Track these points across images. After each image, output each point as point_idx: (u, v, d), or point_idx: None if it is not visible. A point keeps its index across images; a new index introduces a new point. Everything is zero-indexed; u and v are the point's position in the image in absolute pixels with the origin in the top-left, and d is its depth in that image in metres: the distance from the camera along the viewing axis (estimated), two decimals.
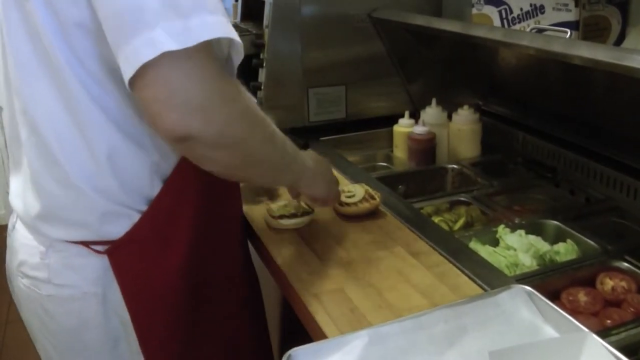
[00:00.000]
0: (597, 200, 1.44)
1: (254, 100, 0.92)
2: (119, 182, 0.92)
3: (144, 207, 0.95)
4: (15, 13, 0.88)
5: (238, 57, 0.88)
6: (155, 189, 0.95)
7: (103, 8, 0.77)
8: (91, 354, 1.01)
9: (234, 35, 0.81)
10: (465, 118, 1.70)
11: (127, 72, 0.75)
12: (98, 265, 0.96)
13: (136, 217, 0.95)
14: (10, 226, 1.07)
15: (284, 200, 1.29)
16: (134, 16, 0.74)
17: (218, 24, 0.78)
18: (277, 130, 0.95)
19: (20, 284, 1.03)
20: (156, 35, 0.73)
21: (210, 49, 0.78)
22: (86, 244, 0.95)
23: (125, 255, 0.95)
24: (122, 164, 0.92)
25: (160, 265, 0.98)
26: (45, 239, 0.97)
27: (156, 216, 0.96)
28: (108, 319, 0.99)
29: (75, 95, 0.87)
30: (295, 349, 0.80)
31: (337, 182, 1.22)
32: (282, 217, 1.23)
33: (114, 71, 0.84)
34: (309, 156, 1.12)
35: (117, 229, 0.95)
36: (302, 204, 1.27)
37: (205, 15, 0.76)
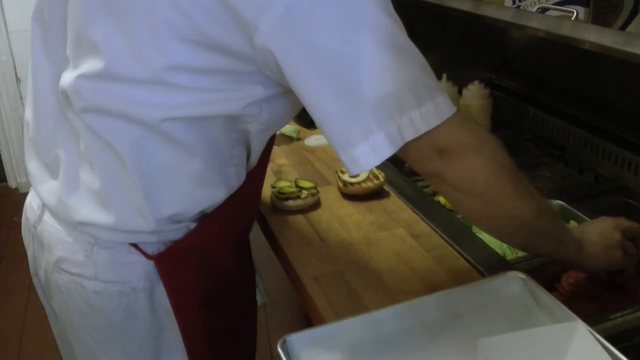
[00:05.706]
0: (605, 179, 1.43)
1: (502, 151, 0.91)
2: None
3: (197, 218, 0.98)
4: None
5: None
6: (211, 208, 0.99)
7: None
8: (135, 345, 1.02)
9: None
10: (475, 94, 1.68)
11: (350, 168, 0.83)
12: (147, 262, 0.96)
13: (188, 228, 0.97)
14: (34, 218, 1.05)
15: (289, 181, 1.31)
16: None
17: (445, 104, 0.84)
18: (534, 192, 0.94)
19: (59, 280, 1.01)
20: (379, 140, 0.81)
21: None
22: (136, 245, 0.96)
23: (173, 262, 0.97)
24: (200, 198, 0.96)
25: (206, 271, 1.01)
26: (90, 237, 0.97)
27: (209, 229, 0.98)
28: (154, 311, 0.99)
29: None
30: (290, 334, 0.82)
31: (615, 246, 1.02)
32: (287, 199, 1.24)
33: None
34: (588, 229, 1.03)
35: (168, 237, 0.97)
36: (308, 183, 1.28)
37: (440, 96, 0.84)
